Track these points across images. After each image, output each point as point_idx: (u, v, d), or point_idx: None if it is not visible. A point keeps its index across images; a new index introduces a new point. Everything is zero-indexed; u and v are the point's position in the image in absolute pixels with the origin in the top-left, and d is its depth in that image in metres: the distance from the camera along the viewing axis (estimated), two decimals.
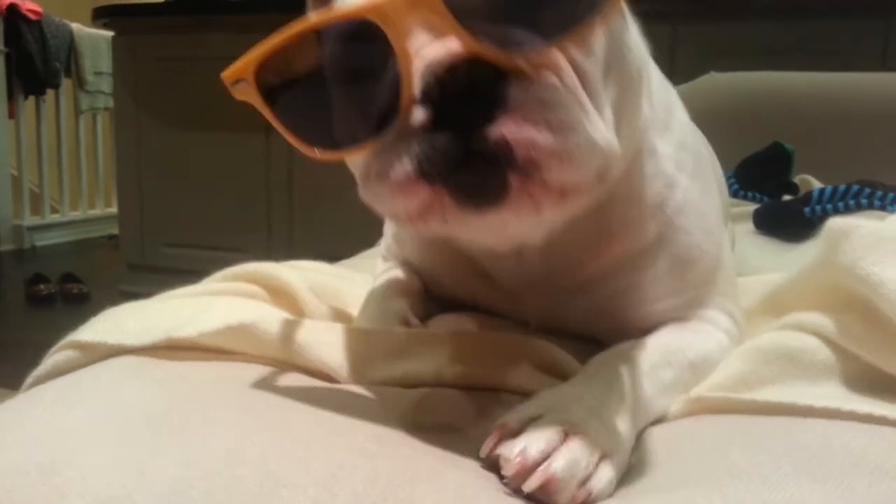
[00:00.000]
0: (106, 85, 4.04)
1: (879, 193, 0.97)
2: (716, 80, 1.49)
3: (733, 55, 2.16)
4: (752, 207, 1.11)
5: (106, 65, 4.00)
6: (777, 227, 1.02)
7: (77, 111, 4.18)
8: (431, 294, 0.62)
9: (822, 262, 0.51)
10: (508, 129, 0.35)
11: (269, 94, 0.39)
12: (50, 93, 4.06)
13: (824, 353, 0.48)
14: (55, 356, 0.53)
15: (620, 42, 0.43)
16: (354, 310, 0.62)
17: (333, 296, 0.63)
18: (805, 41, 2.14)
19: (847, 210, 0.96)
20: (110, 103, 4.07)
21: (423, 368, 0.48)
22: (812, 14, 2.16)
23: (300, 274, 0.61)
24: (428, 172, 0.36)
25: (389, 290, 0.59)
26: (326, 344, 0.50)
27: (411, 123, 0.36)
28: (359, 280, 0.71)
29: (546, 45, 0.36)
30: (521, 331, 0.56)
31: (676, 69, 2.24)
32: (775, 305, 0.57)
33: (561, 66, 0.37)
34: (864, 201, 0.95)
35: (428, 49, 0.36)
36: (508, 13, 0.36)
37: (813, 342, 0.48)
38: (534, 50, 0.36)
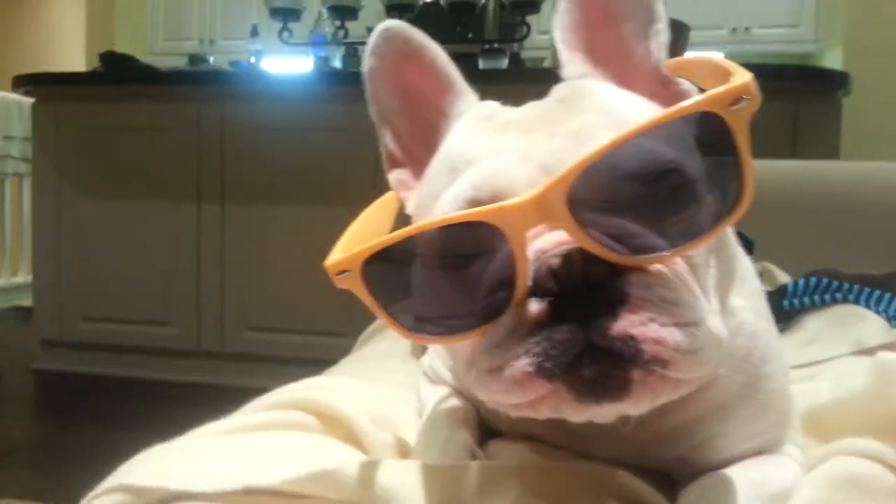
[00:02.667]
0: (16, 150, 3.85)
1: (846, 287, 1.04)
2: None
3: None
4: None
5: (17, 129, 3.82)
6: None
7: None
8: (482, 420, 0.60)
9: (875, 393, 0.54)
10: (634, 326, 0.35)
11: (374, 284, 0.39)
12: None
13: (889, 479, 0.50)
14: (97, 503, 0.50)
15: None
16: (407, 436, 0.60)
17: (385, 422, 0.61)
18: None
19: (823, 304, 1.02)
20: (20, 168, 3.88)
21: None
22: None
23: (354, 401, 0.60)
24: (548, 369, 0.36)
25: (451, 420, 0.57)
26: (409, 486, 0.48)
27: (526, 317, 0.37)
28: (389, 395, 0.69)
29: (671, 251, 0.37)
30: (587, 461, 0.55)
31: None
32: (818, 428, 0.60)
33: (674, 258, 0.38)
34: (838, 295, 1.02)
35: (541, 241, 0.37)
36: (635, 220, 0.36)
37: (877, 469, 0.51)
38: (656, 255, 0.37)
